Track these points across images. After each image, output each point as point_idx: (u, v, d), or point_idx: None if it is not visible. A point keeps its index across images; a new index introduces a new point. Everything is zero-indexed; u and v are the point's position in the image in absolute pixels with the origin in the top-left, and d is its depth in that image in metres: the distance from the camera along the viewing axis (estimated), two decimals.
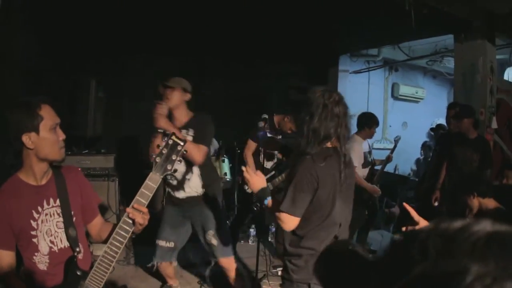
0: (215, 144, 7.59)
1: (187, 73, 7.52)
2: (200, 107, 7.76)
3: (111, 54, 6.51)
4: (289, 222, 2.60)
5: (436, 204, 5.45)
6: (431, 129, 7.84)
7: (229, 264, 4.23)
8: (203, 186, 4.07)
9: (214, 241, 4.10)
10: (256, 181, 2.73)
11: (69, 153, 5.75)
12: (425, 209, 5.63)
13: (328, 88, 2.78)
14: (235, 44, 7.19)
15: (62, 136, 2.19)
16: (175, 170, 2.19)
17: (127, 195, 5.37)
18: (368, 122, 5.93)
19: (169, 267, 4.40)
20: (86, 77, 5.86)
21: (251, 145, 5.36)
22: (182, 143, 2.13)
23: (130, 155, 6.61)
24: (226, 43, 7.21)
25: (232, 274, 4.27)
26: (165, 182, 4.09)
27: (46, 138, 2.09)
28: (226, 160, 6.58)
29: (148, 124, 6.80)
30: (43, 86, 6.03)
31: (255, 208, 5.48)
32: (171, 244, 4.18)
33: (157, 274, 5.18)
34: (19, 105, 2.09)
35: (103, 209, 5.62)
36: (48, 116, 2.11)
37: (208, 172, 4.20)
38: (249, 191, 5.37)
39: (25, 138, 2.05)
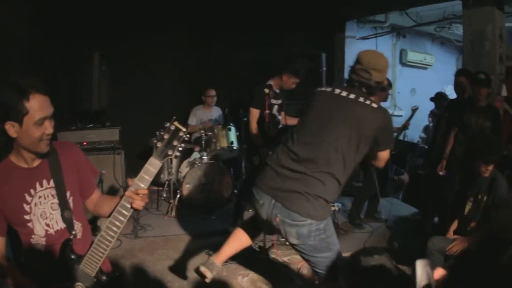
0: (219, 112, 7.55)
1: (193, 44, 7.50)
2: (207, 76, 7.77)
3: (115, 27, 6.42)
4: None
5: (441, 173, 5.39)
6: (431, 98, 7.72)
7: None
8: None
9: None
10: None
11: (74, 128, 5.77)
12: (433, 177, 5.64)
13: None
14: (240, 13, 7.09)
15: (49, 130, 2.03)
16: (176, 156, 2.14)
17: (133, 168, 5.38)
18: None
19: None
20: (89, 50, 5.81)
21: (255, 113, 5.30)
22: (184, 129, 2.06)
23: (135, 127, 6.60)
24: (231, 12, 7.11)
25: None
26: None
27: (28, 132, 1.98)
28: (233, 128, 6.52)
29: (153, 96, 6.80)
30: (46, 59, 5.99)
31: None
32: None
33: (165, 247, 5.22)
34: (9, 86, 1.94)
35: (110, 183, 5.66)
36: (35, 109, 1.95)
37: None
38: (256, 162, 5.36)
39: (8, 126, 1.96)
